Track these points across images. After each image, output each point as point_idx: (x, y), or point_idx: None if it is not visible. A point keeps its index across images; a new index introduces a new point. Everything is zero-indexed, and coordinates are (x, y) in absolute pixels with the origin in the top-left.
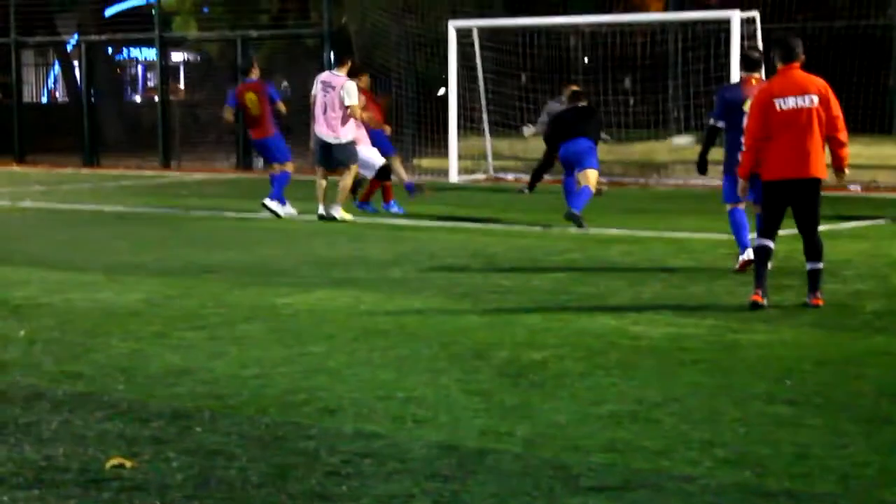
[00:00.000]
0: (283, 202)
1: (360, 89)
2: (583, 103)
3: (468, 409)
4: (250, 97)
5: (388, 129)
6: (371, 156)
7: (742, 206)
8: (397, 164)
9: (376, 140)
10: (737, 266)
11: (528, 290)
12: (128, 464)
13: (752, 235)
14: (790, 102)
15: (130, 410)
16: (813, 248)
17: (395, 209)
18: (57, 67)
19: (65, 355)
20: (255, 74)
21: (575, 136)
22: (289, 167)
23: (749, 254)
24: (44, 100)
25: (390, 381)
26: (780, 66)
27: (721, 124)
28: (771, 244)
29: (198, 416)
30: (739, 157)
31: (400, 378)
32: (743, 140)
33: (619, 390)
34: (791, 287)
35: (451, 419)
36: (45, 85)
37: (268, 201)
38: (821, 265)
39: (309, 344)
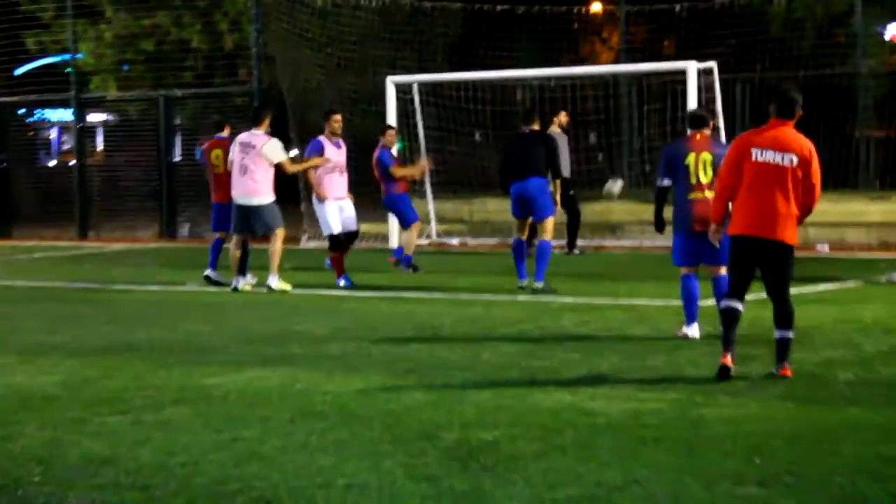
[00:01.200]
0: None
1: (386, 148)
2: (533, 127)
3: (415, 496)
4: (217, 154)
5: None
6: (329, 218)
7: (694, 272)
8: (414, 234)
9: (402, 205)
10: (679, 333)
11: (477, 365)
12: None
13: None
14: (767, 156)
15: None
16: (783, 314)
17: (342, 283)
18: None
19: None
20: (226, 132)
21: (525, 175)
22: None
23: (693, 330)
24: None
25: (329, 466)
26: (773, 118)
27: (667, 182)
28: (739, 305)
29: None
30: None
31: (340, 463)
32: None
33: (577, 473)
34: (757, 357)
35: None
36: None
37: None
38: (791, 334)
39: (241, 428)
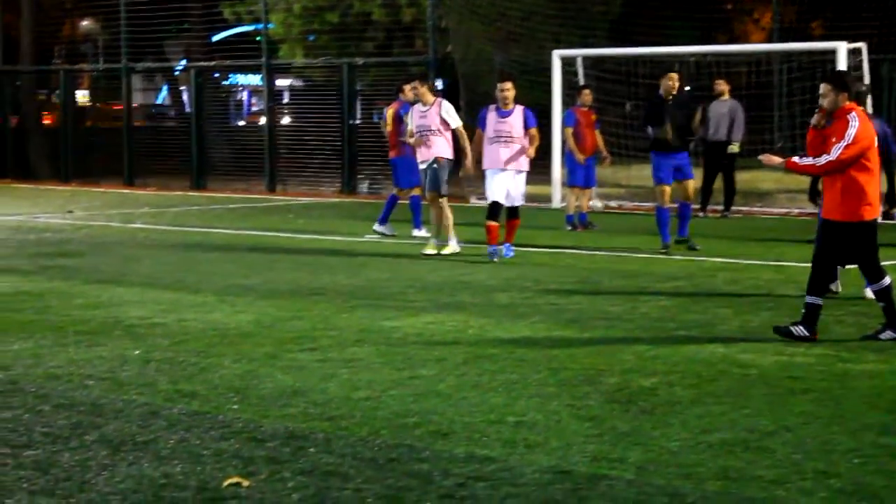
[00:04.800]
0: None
1: (577, 110)
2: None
3: (579, 435)
4: (389, 113)
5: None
6: (487, 186)
7: None
8: (575, 196)
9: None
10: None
11: (635, 317)
12: (244, 483)
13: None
14: None
15: (245, 430)
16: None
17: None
18: (164, 92)
19: (179, 375)
20: (404, 95)
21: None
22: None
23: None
24: (151, 123)
25: (500, 404)
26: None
27: None
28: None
29: (311, 436)
30: None
31: (510, 402)
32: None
33: (730, 418)
34: None
35: (562, 444)
36: (153, 109)
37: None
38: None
39: (418, 367)
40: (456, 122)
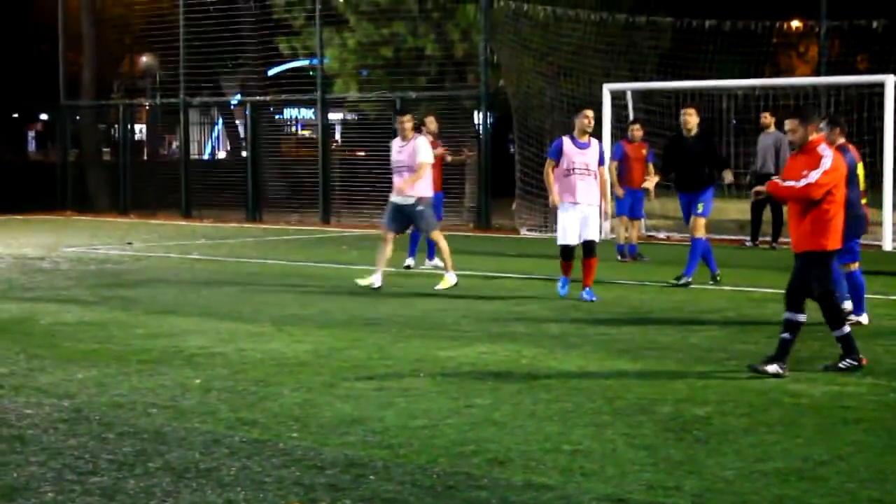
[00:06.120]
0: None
1: (626, 144)
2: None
3: (634, 463)
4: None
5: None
6: (560, 226)
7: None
8: (624, 227)
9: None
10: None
11: (685, 347)
12: None
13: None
14: None
15: (305, 457)
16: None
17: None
18: (220, 125)
19: (239, 403)
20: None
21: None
22: None
23: (864, 317)
24: (206, 156)
25: (556, 433)
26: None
27: None
28: None
29: (371, 464)
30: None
31: (565, 430)
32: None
33: (784, 447)
34: None
35: (618, 472)
36: (210, 142)
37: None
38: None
39: (474, 396)
40: (424, 157)
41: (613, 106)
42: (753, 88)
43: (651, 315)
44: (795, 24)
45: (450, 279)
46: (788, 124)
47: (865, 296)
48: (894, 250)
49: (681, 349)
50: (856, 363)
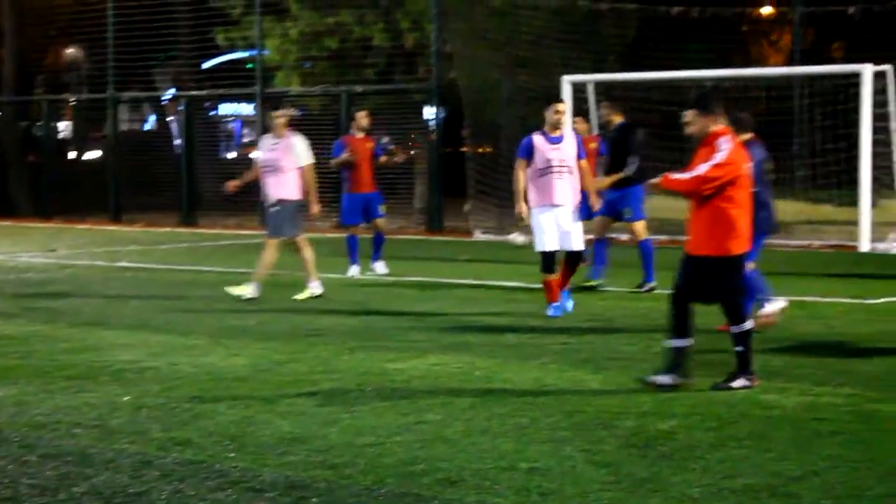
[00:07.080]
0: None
1: (582, 137)
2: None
3: (595, 482)
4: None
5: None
6: (538, 231)
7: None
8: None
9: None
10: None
11: (649, 357)
12: None
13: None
14: None
15: (243, 479)
16: None
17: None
18: (151, 123)
19: (172, 422)
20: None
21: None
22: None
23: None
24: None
25: (511, 450)
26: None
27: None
28: None
29: (313, 486)
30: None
31: (521, 448)
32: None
33: (754, 463)
34: None
35: (577, 492)
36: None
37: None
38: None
39: (424, 411)
40: (305, 159)
41: (574, 99)
42: (722, 80)
43: (613, 323)
44: (767, 10)
45: (313, 289)
46: (685, 115)
47: (839, 300)
48: (872, 251)
49: (645, 359)
50: (748, 383)
